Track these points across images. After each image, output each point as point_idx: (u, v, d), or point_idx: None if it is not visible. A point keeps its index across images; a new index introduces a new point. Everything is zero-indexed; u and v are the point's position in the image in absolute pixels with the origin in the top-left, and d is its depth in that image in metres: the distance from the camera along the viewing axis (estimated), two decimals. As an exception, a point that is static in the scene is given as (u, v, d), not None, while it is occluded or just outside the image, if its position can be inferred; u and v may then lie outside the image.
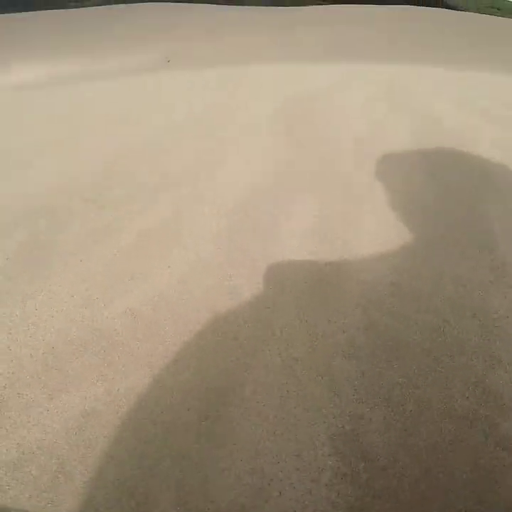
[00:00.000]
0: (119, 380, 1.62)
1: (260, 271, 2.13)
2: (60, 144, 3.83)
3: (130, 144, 3.76)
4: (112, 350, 1.74)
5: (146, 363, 1.69)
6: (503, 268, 2.19)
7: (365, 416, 1.51)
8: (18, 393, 1.57)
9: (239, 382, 1.60)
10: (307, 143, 3.78)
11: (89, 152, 3.61)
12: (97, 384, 1.62)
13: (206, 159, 3.42)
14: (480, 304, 1.92)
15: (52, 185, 2.98)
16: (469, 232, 2.49)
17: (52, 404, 1.55)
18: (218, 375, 1.63)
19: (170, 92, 6.03)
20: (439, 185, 3.06)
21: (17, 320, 1.88)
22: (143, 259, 2.27)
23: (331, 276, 2.13)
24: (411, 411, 1.54)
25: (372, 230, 2.52)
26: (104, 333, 1.83)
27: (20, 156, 3.55)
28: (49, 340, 1.80)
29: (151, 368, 1.66)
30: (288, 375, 1.63)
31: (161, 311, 1.93)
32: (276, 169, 3.24)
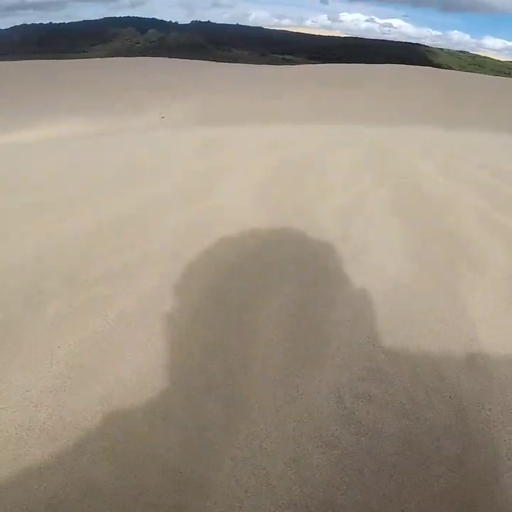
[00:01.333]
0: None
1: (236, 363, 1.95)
2: (41, 211, 3.59)
3: (114, 214, 3.51)
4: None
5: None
6: (479, 353, 2.07)
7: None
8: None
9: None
10: (290, 218, 3.56)
11: (68, 224, 3.36)
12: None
13: (191, 232, 3.18)
14: (456, 388, 1.86)
15: (28, 261, 2.65)
16: (444, 314, 2.30)
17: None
18: None
19: (158, 153, 5.99)
20: (416, 262, 2.83)
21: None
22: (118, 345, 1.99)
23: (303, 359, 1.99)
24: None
25: (349, 317, 2.26)
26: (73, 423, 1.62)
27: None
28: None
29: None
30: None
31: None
32: (258, 250, 2.99)
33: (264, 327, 2.14)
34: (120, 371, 1.87)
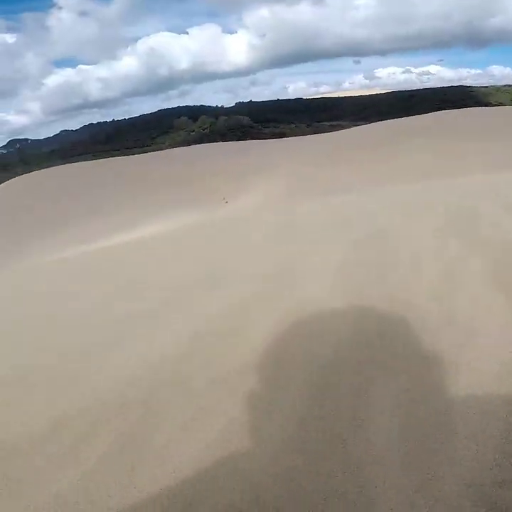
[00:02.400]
0: None
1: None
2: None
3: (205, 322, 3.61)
4: None
5: None
6: None
7: None
8: None
9: None
10: (378, 302, 3.32)
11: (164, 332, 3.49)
12: None
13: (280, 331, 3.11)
14: None
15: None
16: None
17: None
18: None
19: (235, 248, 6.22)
20: None
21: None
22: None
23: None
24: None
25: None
26: None
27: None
28: None
29: None
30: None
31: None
32: (351, 344, 2.81)
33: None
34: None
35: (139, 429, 2.23)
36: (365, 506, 1.62)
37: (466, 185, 7.13)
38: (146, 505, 1.75)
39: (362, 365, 2.47)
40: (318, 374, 2.45)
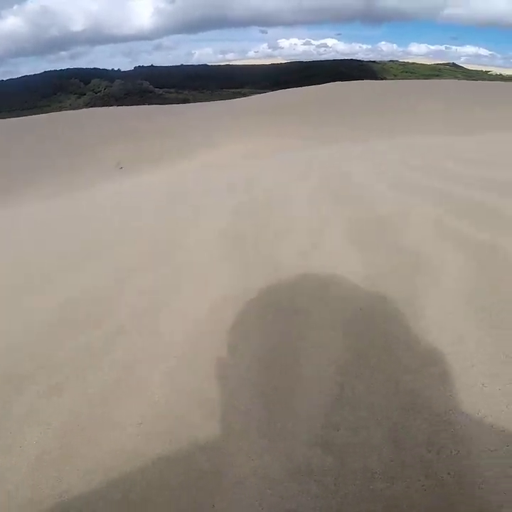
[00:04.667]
0: None
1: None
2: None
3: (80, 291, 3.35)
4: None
5: None
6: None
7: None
8: None
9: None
10: (252, 266, 3.42)
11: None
12: None
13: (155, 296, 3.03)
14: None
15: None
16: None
17: None
18: None
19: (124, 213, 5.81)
20: (372, 286, 2.76)
21: None
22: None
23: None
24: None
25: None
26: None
27: None
28: None
29: None
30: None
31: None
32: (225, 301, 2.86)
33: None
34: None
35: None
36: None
37: (342, 151, 7.64)
38: None
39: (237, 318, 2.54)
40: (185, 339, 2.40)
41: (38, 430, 1.81)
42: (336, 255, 3.34)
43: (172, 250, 3.96)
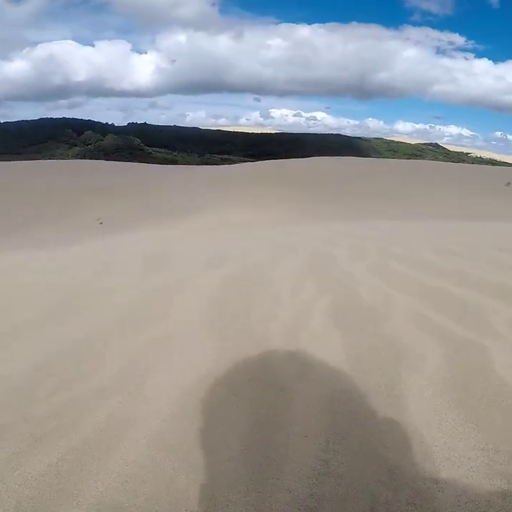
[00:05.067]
0: None
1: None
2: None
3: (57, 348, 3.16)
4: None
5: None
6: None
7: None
8: None
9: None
10: (238, 341, 3.38)
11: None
12: None
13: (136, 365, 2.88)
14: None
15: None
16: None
17: None
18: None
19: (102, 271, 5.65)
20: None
21: None
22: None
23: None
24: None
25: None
26: None
27: None
28: None
29: None
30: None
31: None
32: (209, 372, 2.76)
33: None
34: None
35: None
36: None
37: (325, 231, 7.92)
38: None
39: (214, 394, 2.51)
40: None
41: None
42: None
43: (157, 317, 3.89)
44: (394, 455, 1.88)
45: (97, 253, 8.63)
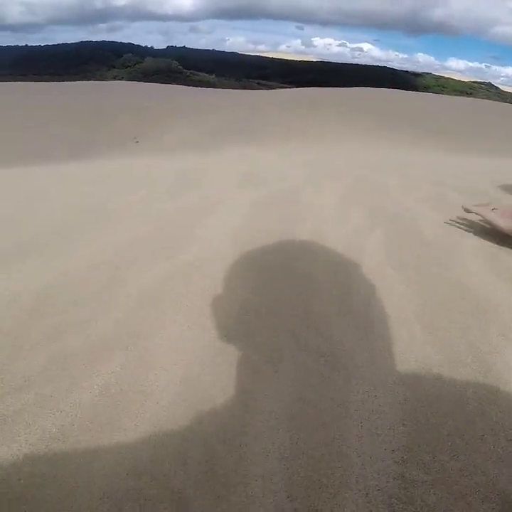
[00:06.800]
0: None
1: None
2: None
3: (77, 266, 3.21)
4: None
5: None
6: None
7: None
8: None
9: None
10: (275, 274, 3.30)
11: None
12: None
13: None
14: None
15: None
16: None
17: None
18: None
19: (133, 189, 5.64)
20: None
21: None
22: None
23: None
24: None
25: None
26: None
27: None
28: None
29: None
30: None
31: None
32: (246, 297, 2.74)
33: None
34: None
35: None
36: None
37: (373, 160, 7.41)
38: None
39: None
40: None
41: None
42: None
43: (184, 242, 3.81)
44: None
45: (128, 169, 8.61)
